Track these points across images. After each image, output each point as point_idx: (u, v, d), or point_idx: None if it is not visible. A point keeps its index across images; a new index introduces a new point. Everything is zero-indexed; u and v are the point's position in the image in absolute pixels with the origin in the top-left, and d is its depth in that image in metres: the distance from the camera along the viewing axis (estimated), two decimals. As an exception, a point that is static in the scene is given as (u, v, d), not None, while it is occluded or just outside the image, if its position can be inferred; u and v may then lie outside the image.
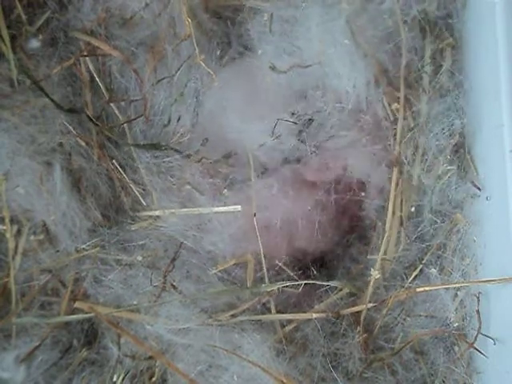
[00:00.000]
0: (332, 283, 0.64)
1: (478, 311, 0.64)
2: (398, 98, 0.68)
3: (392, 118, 0.68)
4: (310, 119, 0.68)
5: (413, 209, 0.68)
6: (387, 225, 0.67)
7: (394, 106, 0.68)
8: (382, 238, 0.67)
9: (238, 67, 0.70)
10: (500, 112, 0.61)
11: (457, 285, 0.66)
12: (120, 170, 0.66)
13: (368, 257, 0.69)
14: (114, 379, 0.61)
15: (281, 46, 0.67)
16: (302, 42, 0.67)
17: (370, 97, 0.67)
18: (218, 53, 0.69)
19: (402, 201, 0.68)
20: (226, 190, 0.67)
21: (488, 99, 0.64)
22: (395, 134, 0.68)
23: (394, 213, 0.67)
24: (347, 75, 0.66)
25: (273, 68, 0.67)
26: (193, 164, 0.66)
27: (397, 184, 0.67)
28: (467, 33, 0.69)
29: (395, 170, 0.67)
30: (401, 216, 0.68)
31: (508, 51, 0.60)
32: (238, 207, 0.65)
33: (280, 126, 0.67)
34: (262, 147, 0.68)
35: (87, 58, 0.64)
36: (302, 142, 0.68)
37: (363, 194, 0.70)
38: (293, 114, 0.68)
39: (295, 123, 0.68)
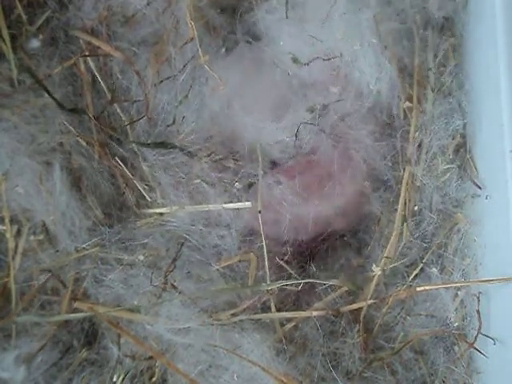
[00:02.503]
0: (332, 281, 0.64)
1: (478, 311, 0.64)
2: (410, 95, 0.68)
3: (402, 116, 0.68)
4: (325, 107, 0.67)
5: (416, 207, 0.68)
6: (396, 223, 0.67)
7: (406, 104, 0.68)
8: (385, 233, 0.67)
9: (246, 58, 0.69)
10: (500, 111, 0.61)
11: (457, 284, 0.66)
12: (124, 167, 0.65)
13: (369, 252, 0.69)
14: (114, 379, 0.61)
15: (298, 35, 0.66)
16: (322, 32, 0.65)
17: (389, 94, 0.67)
18: (224, 50, 0.69)
19: (405, 200, 0.68)
20: (237, 184, 0.66)
21: (488, 99, 0.64)
22: (403, 131, 0.68)
23: (401, 211, 0.67)
24: (370, 72, 0.66)
25: (294, 60, 0.66)
26: (201, 159, 0.65)
27: (407, 182, 0.67)
28: (468, 33, 0.69)
29: (407, 169, 0.67)
30: (404, 215, 0.67)
31: (508, 51, 0.61)
32: (249, 204, 0.65)
33: (296, 121, 0.66)
34: (277, 144, 0.67)
35: (88, 58, 0.64)
36: (320, 131, 0.67)
37: (368, 183, 0.70)
38: (312, 111, 0.67)
39: (314, 124, 0.67)
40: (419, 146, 0.68)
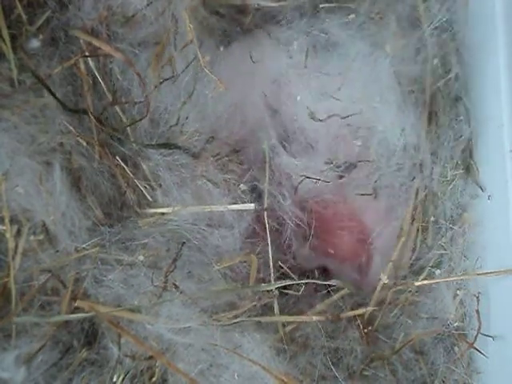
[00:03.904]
0: (332, 282, 0.64)
1: (477, 311, 0.64)
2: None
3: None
4: (351, 165, 0.67)
5: (432, 218, 0.68)
6: (403, 229, 0.67)
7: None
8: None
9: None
10: (500, 112, 0.61)
11: (455, 278, 0.66)
12: (125, 166, 0.65)
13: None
14: (114, 379, 0.61)
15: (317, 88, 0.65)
16: (341, 88, 0.64)
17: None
18: (222, 48, 0.69)
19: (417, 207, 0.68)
20: (242, 185, 0.66)
21: (488, 99, 0.64)
22: None
23: (412, 219, 0.68)
24: (394, 128, 0.65)
25: (311, 116, 0.65)
26: (205, 160, 0.65)
27: (416, 193, 0.68)
28: (468, 34, 0.69)
29: (417, 178, 0.67)
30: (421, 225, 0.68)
31: (508, 51, 0.61)
32: (252, 205, 0.64)
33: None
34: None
35: (88, 58, 0.64)
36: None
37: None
38: (330, 163, 0.67)
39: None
40: (434, 155, 0.68)
